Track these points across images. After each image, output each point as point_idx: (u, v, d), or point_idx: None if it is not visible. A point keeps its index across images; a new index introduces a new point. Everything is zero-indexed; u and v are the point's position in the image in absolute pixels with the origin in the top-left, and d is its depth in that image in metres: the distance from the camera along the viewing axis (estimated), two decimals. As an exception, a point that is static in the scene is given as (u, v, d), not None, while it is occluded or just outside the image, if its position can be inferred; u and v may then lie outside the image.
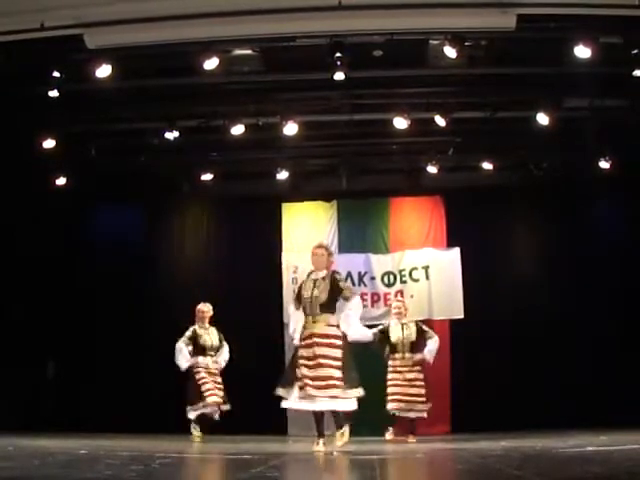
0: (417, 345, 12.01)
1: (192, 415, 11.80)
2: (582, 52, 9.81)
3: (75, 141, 12.98)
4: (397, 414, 11.94)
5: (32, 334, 13.72)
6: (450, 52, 9.98)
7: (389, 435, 12.03)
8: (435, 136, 13.28)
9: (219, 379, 12.04)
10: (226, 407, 11.93)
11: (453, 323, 14.19)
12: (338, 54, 10.13)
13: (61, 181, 13.73)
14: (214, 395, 11.79)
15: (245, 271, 14.22)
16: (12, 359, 13.19)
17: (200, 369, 11.94)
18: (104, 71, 10.27)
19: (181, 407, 12.97)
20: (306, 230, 14.91)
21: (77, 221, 14.87)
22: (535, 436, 10.79)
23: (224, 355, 12.18)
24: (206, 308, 12.20)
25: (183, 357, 11.97)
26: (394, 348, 11.98)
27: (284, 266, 14.57)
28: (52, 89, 10.61)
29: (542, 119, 11.99)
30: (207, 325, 12.21)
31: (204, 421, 11.89)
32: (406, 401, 11.83)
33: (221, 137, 12.96)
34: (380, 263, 14.63)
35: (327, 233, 14.78)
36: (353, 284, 14.11)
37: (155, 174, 14.39)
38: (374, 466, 7.42)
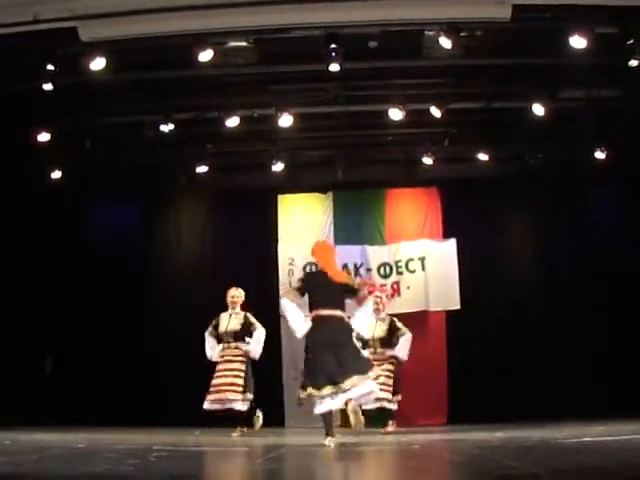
0: (388, 341, 11.83)
1: (205, 406, 11.13)
2: (578, 42, 9.79)
3: (70, 135, 12.94)
4: (372, 406, 11.28)
5: (30, 330, 13.72)
6: (445, 43, 9.97)
7: (390, 427, 11.91)
8: (431, 127, 13.26)
9: (241, 367, 11.17)
10: (238, 406, 11.07)
11: (449, 314, 14.20)
12: (333, 45, 10.10)
13: (56, 175, 13.68)
14: (218, 392, 11.06)
15: (241, 262, 14.19)
16: (10, 355, 13.19)
17: (220, 358, 11.27)
18: (98, 64, 10.23)
19: (179, 400, 13.05)
20: (302, 222, 14.93)
21: (73, 215, 14.83)
22: (532, 427, 10.80)
23: (255, 339, 11.26)
24: (237, 293, 11.48)
25: (208, 346, 11.39)
26: (365, 344, 11.47)
27: (280, 257, 14.56)
28: (46, 82, 10.53)
29: (538, 110, 11.98)
30: (238, 310, 11.42)
31: (231, 415, 11.20)
32: (382, 390, 11.21)
33: (216, 129, 12.94)
34: (376, 254, 14.63)
35: (323, 225, 14.79)
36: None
37: (151, 167, 14.35)
38: (371, 457, 7.44)
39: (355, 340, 8.73)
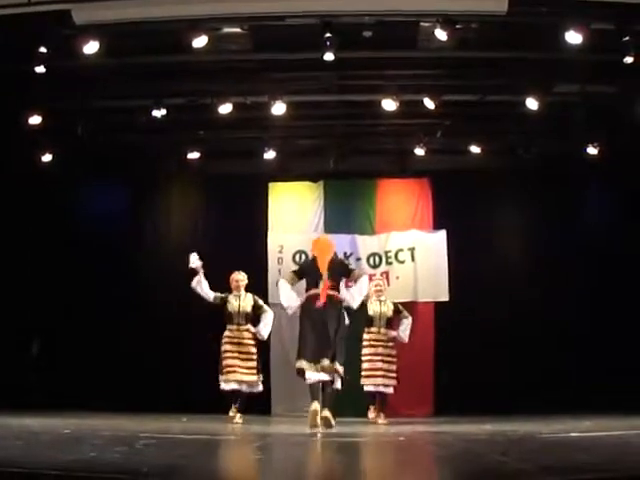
0: (393, 322, 12.05)
1: (222, 386, 11.21)
2: (573, 38, 9.77)
3: (61, 118, 12.86)
4: (372, 389, 11.90)
5: (17, 312, 13.70)
6: (441, 35, 9.94)
7: (371, 413, 12.05)
8: (424, 118, 13.24)
9: (252, 349, 11.36)
10: (254, 388, 11.37)
11: (438, 305, 14.22)
12: (328, 34, 10.05)
13: (47, 158, 13.62)
14: (234, 372, 11.17)
15: (230, 250, 14.14)
16: (-3, 336, 13.18)
17: (225, 339, 11.37)
18: (91, 48, 10.13)
19: (166, 386, 13.06)
20: (292, 210, 14.91)
21: (63, 198, 14.75)
22: (519, 420, 10.84)
23: (264, 321, 11.51)
24: (241, 276, 11.62)
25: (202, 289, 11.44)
26: (371, 322, 11.89)
27: (270, 246, 14.54)
28: (39, 65, 10.45)
29: (532, 104, 11.97)
30: (242, 292, 11.55)
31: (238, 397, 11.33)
32: (379, 375, 11.81)
33: (209, 116, 12.89)
34: (366, 244, 14.62)
35: (313, 213, 14.79)
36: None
37: (142, 152, 14.33)
38: (357, 449, 7.44)
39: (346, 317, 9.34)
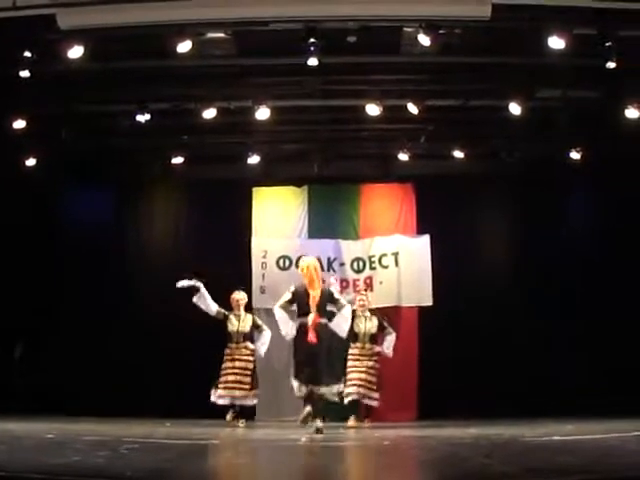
0: (377, 337, 12.67)
1: (212, 398, 11.92)
2: (556, 43, 9.80)
3: (46, 122, 12.82)
4: (355, 398, 12.32)
5: (0, 315, 13.64)
6: (424, 40, 9.96)
7: (351, 422, 12.31)
8: (407, 123, 13.26)
9: (248, 365, 12.03)
10: (249, 402, 12.13)
11: (422, 310, 14.23)
12: (312, 39, 10.06)
13: (31, 162, 13.58)
14: (229, 389, 11.87)
15: (214, 255, 14.13)
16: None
17: (225, 357, 12.03)
18: (76, 52, 10.09)
19: (150, 390, 13.06)
20: (276, 215, 14.90)
21: (46, 203, 14.73)
22: (502, 424, 10.88)
23: (262, 340, 12.17)
24: (240, 296, 12.31)
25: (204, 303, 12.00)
26: (356, 337, 12.48)
27: (253, 250, 14.52)
28: (23, 70, 10.41)
29: (515, 108, 12.00)
30: (242, 312, 12.26)
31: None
32: (364, 386, 12.36)
33: (193, 120, 12.88)
34: (350, 249, 14.62)
35: (297, 218, 14.78)
36: (322, 270, 14.18)
37: (126, 156, 14.31)
38: (341, 453, 7.45)
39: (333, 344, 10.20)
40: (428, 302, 14.14)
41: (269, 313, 12.42)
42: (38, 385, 13.57)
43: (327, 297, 10.11)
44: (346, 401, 12.09)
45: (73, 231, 14.76)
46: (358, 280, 14.38)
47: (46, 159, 13.70)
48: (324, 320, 9.91)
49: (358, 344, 12.47)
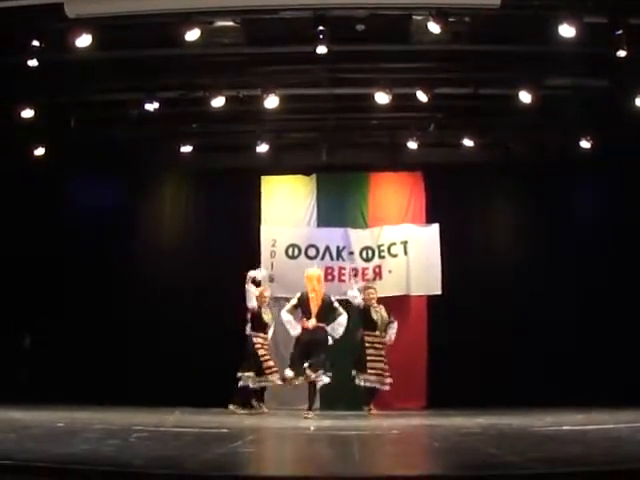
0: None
1: (252, 385, 12.27)
2: (566, 31, 9.76)
3: (54, 111, 12.83)
4: (377, 387, 12.54)
5: (9, 307, 13.68)
6: (434, 28, 9.92)
7: (367, 411, 12.36)
8: (416, 112, 13.25)
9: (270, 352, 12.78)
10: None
11: (431, 299, 14.20)
12: (321, 27, 10.03)
13: (40, 151, 13.59)
14: (277, 373, 12.36)
15: (223, 243, 14.16)
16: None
17: (259, 344, 12.44)
18: (84, 41, 10.09)
19: (157, 379, 13.06)
20: (285, 203, 14.86)
21: (55, 192, 14.71)
22: (512, 413, 10.86)
23: (272, 330, 12.82)
24: (267, 293, 12.84)
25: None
26: (374, 326, 12.65)
27: (262, 239, 14.47)
28: (31, 58, 10.43)
29: (524, 97, 11.96)
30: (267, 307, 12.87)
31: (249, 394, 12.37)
32: (381, 375, 12.56)
33: (201, 109, 12.88)
34: (359, 238, 14.57)
35: (306, 207, 14.74)
36: (331, 258, 14.24)
37: (135, 145, 14.28)
38: (351, 442, 7.44)
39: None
40: (437, 291, 14.08)
41: (278, 302, 12.58)
42: (46, 376, 13.59)
43: (327, 305, 11.67)
44: (365, 386, 12.42)
45: (83, 220, 14.74)
46: (367, 269, 14.32)
47: (54, 148, 13.71)
48: (322, 324, 11.56)
49: (377, 332, 12.64)
